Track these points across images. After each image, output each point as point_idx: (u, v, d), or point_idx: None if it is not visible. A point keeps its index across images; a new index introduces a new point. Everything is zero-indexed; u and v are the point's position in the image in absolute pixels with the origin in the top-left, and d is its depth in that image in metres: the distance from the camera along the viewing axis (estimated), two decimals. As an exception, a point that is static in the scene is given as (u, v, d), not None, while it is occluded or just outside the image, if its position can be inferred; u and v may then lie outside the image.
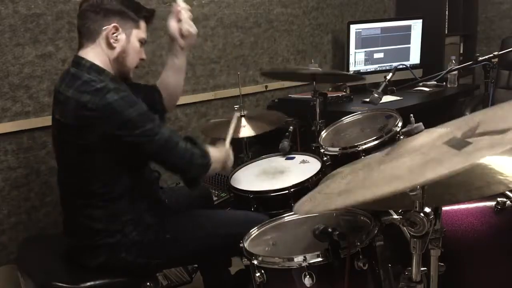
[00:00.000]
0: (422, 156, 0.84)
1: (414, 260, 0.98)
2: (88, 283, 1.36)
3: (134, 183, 1.42)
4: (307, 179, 1.67)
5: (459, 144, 0.79)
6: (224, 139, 1.69)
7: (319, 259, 1.09)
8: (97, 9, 1.37)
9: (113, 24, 1.38)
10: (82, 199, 1.39)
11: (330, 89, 3.18)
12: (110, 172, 1.37)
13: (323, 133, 1.89)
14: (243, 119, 2.14)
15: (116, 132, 1.29)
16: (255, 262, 1.15)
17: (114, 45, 1.40)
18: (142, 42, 1.48)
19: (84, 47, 1.40)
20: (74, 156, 1.35)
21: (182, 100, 2.49)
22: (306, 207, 0.96)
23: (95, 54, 1.39)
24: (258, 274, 1.14)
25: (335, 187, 0.95)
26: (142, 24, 1.47)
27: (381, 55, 3.22)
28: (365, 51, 3.17)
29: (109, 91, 1.29)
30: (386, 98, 2.57)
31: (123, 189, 1.40)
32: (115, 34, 1.39)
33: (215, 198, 2.09)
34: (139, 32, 1.45)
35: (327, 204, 0.90)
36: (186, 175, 1.44)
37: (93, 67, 1.37)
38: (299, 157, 1.97)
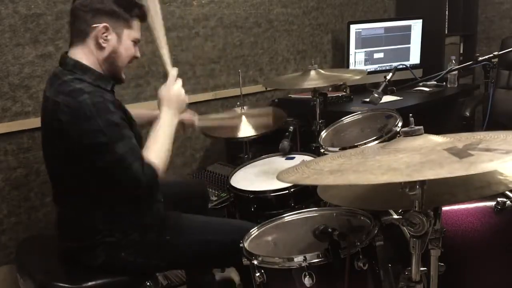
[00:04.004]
0: (421, 156, 0.84)
1: (414, 260, 0.98)
2: (88, 283, 1.36)
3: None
4: (307, 179, 1.67)
5: (460, 153, 0.81)
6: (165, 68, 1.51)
7: (319, 259, 1.09)
8: (87, 8, 1.34)
9: (103, 25, 1.34)
10: (85, 200, 1.38)
11: (330, 89, 3.18)
12: (98, 180, 1.34)
13: (323, 133, 1.89)
14: (243, 118, 2.14)
15: (76, 138, 1.27)
16: (255, 262, 1.15)
17: (103, 45, 1.36)
18: (136, 42, 1.44)
19: (73, 46, 1.38)
20: (58, 160, 1.35)
21: (182, 100, 2.49)
22: (292, 177, 0.96)
23: (83, 53, 1.36)
24: (258, 274, 1.14)
25: (326, 165, 0.95)
26: (135, 23, 1.42)
27: (381, 55, 3.22)
28: (365, 51, 3.17)
29: (84, 93, 1.27)
30: (386, 98, 2.57)
31: (119, 195, 1.39)
32: (105, 34, 1.36)
33: (215, 198, 2.09)
34: (131, 32, 1.41)
35: (317, 179, 0.90)
36: (133, 193, 1.39)
37: (77, 65, 1.35)
38: (299, 157, 1.97)
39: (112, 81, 1.43)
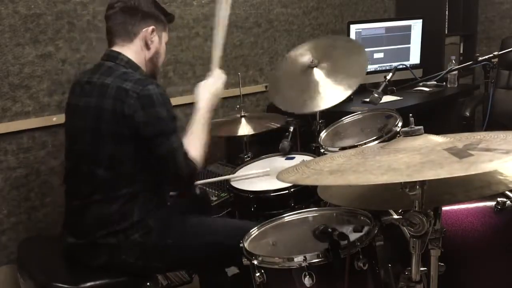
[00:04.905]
0: (421, 156, 0.84)
1: (414, 260, 0.99)
2: (88, 283, 1.36)
3: (150, 184, 1.44)
4: (307, 179, 1.67)
5: (460, 153, 0.81)
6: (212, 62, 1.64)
7: (319, 259, 1.09)
8: (136, 11, 1.43)
9: (152, 27, 1.46)
10: (99, 194, 1.39)
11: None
12: (134, 167, 1.39)
13: (323, 133, 1.89)
14: (243, 119, 2.15)
15: (142, 124, 1.33)
16: (255, 262, 1.14)
17: (150, 46, 1.48)
18: (166, 44, 1.57)
19: (117, 45, 1.46)
20: (103, 147, 1.37)
21: (182, 100, 2.49)
22: (292, 177, 0.96)
23: (132, 52, 1.46)
24: (258, 274, 1.14)
25: (326, 165, 0.95)
26: (167, 27, 1.56)
27: (381, 55, 3.22)
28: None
29: (151, 83, 1.35)
30: (386, 98, 2.57)
31: (140, 188, 1.41)
32: (151, 36, 1.47)
33: (215, 198, 2.08)
34: (166, 35, 1.55)
35: (317, 180, 0.91)
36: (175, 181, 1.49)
37: (130, 63, 1.44)
38: (299, 157, 1.97)
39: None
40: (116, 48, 1.45)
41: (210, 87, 1.58)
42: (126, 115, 1.32)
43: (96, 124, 1.37)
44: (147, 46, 1.47)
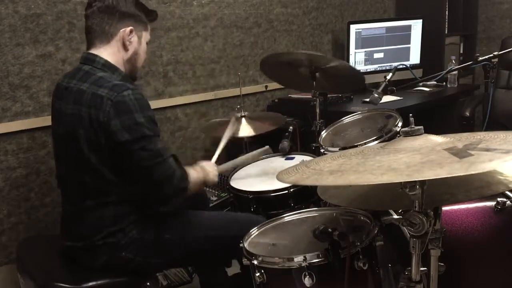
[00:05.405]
0: (421, 156, 0.84)
1: (414, 260, 0.98)
2: (88, 283, 1.36)
3: (138, 193, 1.42)
4: (307, 179, 1.67)
5: (460, 153, 0.81)
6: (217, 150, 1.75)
7: (319, 259, 1.09)
8: (113, 11, 1.40)
9: (130, 28, 1.42)
10: (90, 200, 1.38)
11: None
12: (116, 177, 1.36)
13: (323, 133, 1.89)
14: (243, 120, 2.15)
15: (118, 131, 1.29)
16: (255, 262, 1.15)
17: (128, 47, 1.44)
18: (148, 43, 1.53)
19: (95, 46, 1.42)
20: (84, 154, 1.34)
21: (182, 100, 2.49)
22: (292, 177, 0.96)
23: (108, 53, 1.42)
24: (258, 274, 1.14)
25: (326, 165, 0.95)
26: (148, 26, 1.52)
27: (381, 55, 3.22)
28: (365, 51, 3.17)
29: (127, 89, 1.32)
30: (386, 98, 2.57)
31: (129, 195, 1.40)
32: (130, 36, 1.43)
33: (215, 198, 2.09)
34: (147, 34, 1.51)
35: (318, 180, 0.90)
36: (161, 193, 1.39)
37: (107, 65, 1.40)
38: (299, 157, 1.97)
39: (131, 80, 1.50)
40: (93, 51, 1.42)
41: (201, 176, 1.57)
42: (101, 122, 1.29)
43: (75, 132, 1.34)
44: (124, 47, 1.43)
